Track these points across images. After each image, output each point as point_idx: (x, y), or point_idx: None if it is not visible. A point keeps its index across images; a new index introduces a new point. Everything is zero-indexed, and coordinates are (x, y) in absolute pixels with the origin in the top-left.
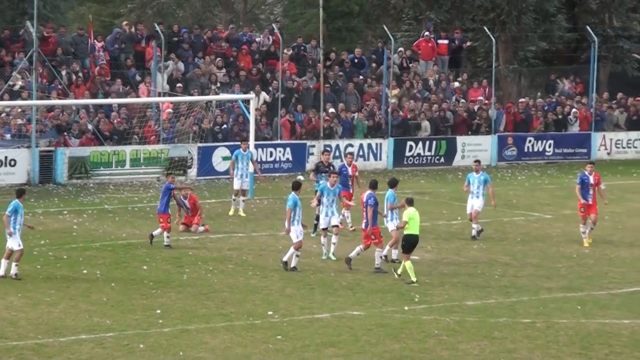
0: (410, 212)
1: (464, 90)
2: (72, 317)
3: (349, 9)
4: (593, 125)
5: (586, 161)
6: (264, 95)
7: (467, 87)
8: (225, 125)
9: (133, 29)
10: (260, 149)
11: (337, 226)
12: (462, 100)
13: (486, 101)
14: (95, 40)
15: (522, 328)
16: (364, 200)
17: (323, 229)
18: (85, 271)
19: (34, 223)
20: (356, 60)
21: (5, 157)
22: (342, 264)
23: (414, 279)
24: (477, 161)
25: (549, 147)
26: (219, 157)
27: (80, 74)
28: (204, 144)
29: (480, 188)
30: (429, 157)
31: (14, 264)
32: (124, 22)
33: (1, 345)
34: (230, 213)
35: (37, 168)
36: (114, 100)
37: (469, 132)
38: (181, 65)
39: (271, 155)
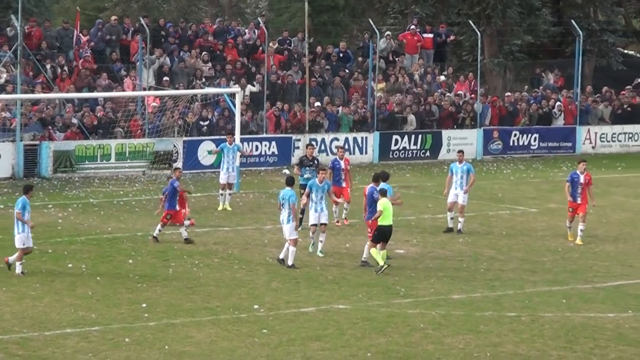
0: (384, 202)
1: (450, 84)
2: (57, 311)
3: (334, 3)
4: (578, 119)
5: (572, 156)
6: (249, 87)
7: (453, 81)
8: (209, 120)
9: (117, 23)
10: (245, 143)
11: (325, 224)
12: (448, 94)
13: (472, 95)
14: (80, 34)
15: (508, 322)
16: (367, 193)
17: (312, 225)
18: (70, 265)
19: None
20: (341, 54)
21: None
22: (329, 258)
23: (382, 263)
24: (461, 151)
25: (534, 140)
26: (205, 151)
27: (66, 68)
28: (190, 138)
29: (464, 178)
30: (415, 151)
31: (19, 262)
32: (112, 17)
33: None
34: (219, 208)
35: (21, 162)
36: (99, 94)
37: (455, 126)
38: (167, 60)
39: (257, 149)
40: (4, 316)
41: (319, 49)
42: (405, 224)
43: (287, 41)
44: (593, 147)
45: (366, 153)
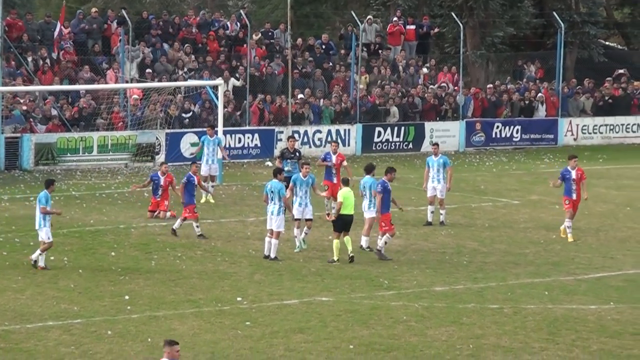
0: (345, 192)
1: (432, 76)
2: (39, 304)
3: None
4: (560, 111)
5: (554, 147)
6: (233, 80)
7: (436, 73)
8: (192, 112)
9: (98, 15)
10: (228, 135)
11: (310, 220)
12: (431, 87)
13: (455, 87)
14: (62, 27)
15: (490, 314)
16: (379, 189)
17: (296, 219)
18: (52, 258)
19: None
20: (324, 46)
21: None
22: (312, 251)
23: (336, 258)
24: (435, 144)
25: (517, 132)
26: (187, 143)
27: (48, 61)
28: (172, 130)
29: (441, 171)
30: (398, 143)
31: (39, 254)
32: (93, 9)
33: None
34: (202, 201)
35: (2, 154)
36: (80, 87)
37: (437, 118)
38: (149, 52)
39: (239, 142)
40: None
41: (299, 40)
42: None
43: (270, 33)
44: (575, 139)
45: (349, 145)
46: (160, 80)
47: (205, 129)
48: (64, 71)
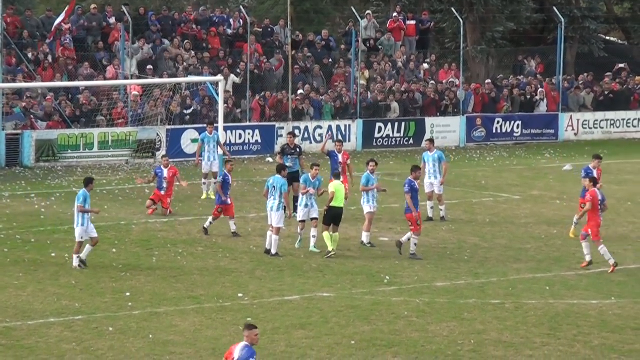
0: (336, 184)
1: (433, 71)
2: (41, 301)
3: None
4: (560, 106)
5: (555, 143)
6: (232, 77)
7: (436, 68)
8: (193, 108)
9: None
10: (229, 131)
11: (316, 219)
12: (432, 82)
13: (457, 83)
14: (62, 23)
15: (492, 309)
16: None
17: (300, 222)
18: (53, 254)
19: (0, 206)
20: (323, 42)
21: None
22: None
23: (331, 249)
24: (430, 140)
25: (517, 128)
26: (188, 140)
27: (50, 57)
28: (173, 127)
29: (436, 166)
30: (398, 139)
31: (88, 249)
32: (92, 6)
33: None
34: (203, 197)
35: (3, 151)
36: (81, 83)
37: (438, 114)
38: (149, 48)
39: (240, 138)
40: None
41: (299, 35)
42: (389, 211)
43: (270, 29)
44: (575, 134)
45: (350, 141)
46: (161, 77)
47: (205, 126)
48: (63, 67)
